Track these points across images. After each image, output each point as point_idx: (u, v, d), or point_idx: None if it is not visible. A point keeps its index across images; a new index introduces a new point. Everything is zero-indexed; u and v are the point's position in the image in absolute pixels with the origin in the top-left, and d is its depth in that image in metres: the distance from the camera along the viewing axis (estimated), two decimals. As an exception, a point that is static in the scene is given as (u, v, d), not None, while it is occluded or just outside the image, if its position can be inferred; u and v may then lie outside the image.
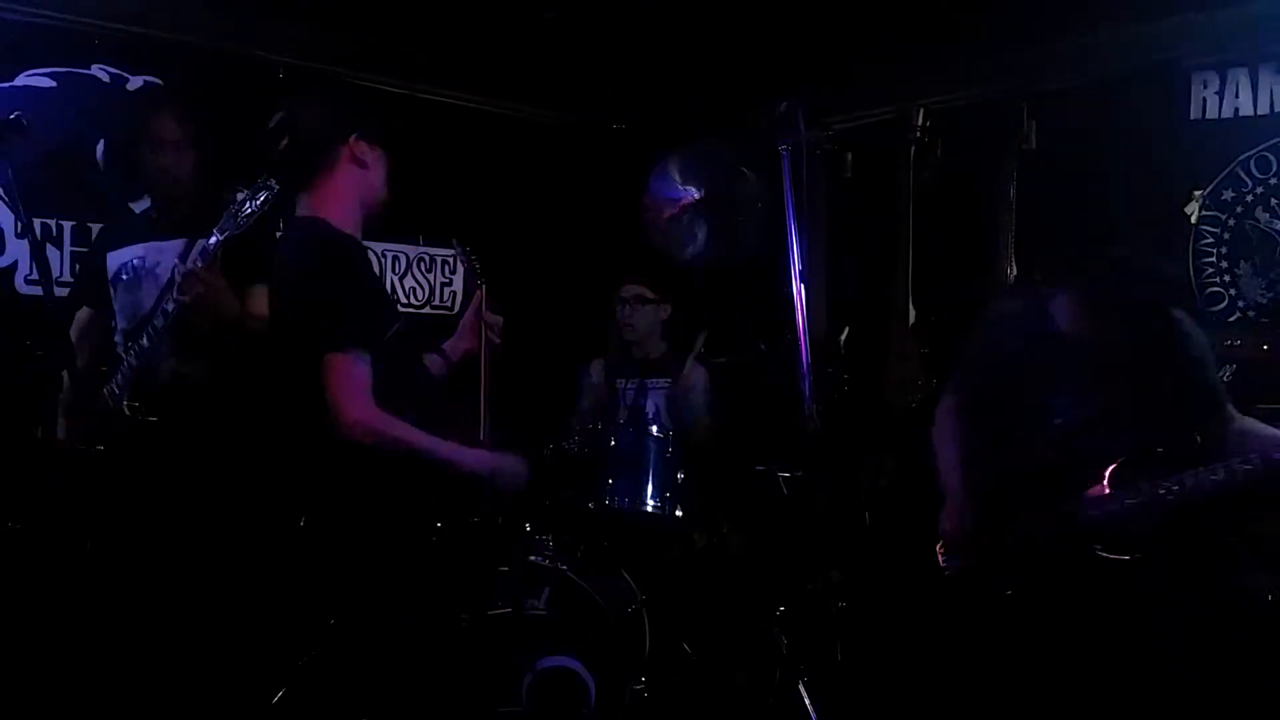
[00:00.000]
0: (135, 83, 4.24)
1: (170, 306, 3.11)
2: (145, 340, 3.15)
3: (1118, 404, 2.82)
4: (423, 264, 5.01)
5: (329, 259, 2.58)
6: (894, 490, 3.98)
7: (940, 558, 3.07)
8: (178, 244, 3.31)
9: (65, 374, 3.30)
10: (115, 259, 3.44)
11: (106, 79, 4.19)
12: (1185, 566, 2.85)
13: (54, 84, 4.09)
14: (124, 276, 3.38)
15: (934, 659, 3.50)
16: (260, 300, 3.24)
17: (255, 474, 3.25)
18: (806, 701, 3.35)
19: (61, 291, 3.77)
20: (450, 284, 5.09)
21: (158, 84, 4.26)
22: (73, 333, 3.47)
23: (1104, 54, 4.27)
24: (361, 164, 2.66)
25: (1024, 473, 2.93)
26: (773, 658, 3.60)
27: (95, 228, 3.98)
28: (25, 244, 3.96)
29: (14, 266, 4.02)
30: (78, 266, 3.91)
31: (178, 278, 3.08)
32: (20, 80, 4.02)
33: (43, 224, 4.02)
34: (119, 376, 3.18)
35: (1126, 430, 2.79)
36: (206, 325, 3.19)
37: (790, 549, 3.93)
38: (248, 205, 3.01)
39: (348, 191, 2.66)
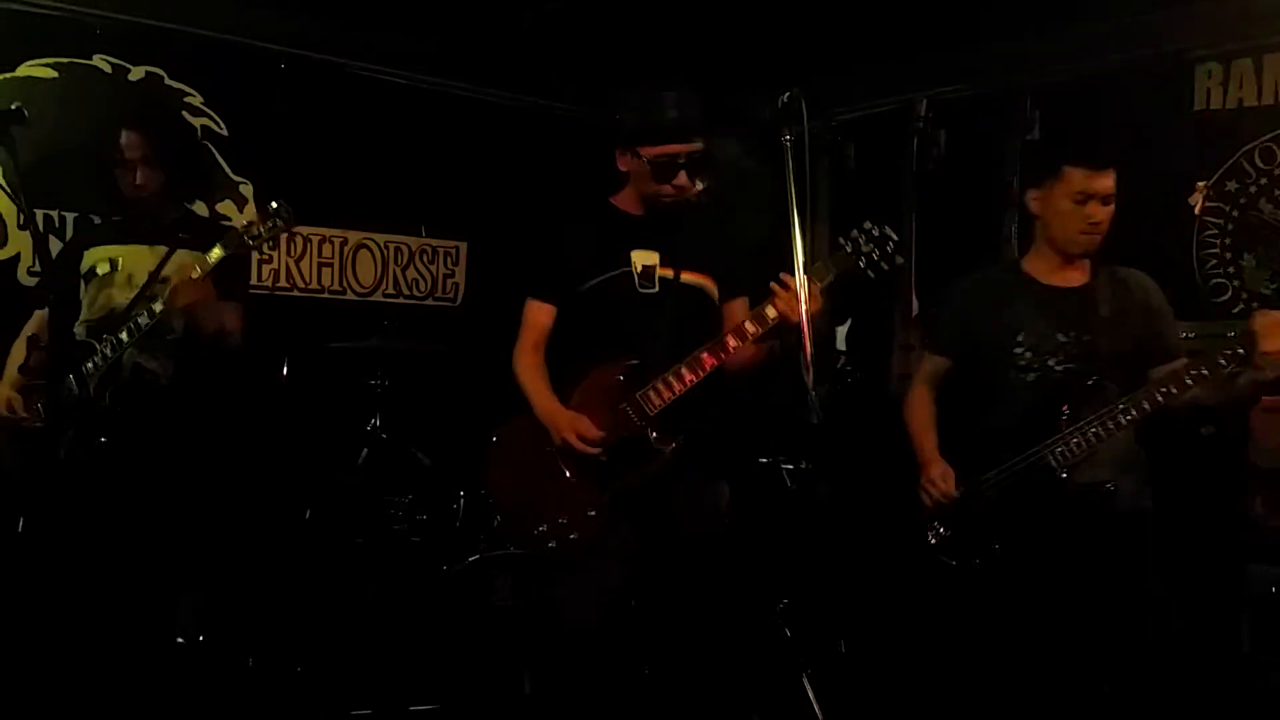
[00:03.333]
0: (137, 73, 4.24)
1: (158, 308, 3.17)
2: (125, 335, 3.21)
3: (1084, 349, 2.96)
4: (425, 256, 5.00)
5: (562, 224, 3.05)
6: (898, 482, 3.98)
7: (924, 530, 3.13)
8: (158, 250, 3.36)
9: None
10: (90, 256, 3.43)
11: (108, 69, 4.19)
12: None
13: (55, 74, 4.08)
14: (97, 272, 3.38)
15: (938, 651, 3.51)
16: (234, 316, 3.38)
17: (205, 467, 3.41)
18: (810, 694, 3.35)
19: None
20: (452, 275, 5.08)
21: (159, 74, 4.27)
22: (26, 328, 3.47)
23: (1108, 44, 4.25)
24: (623, 171, 2.97)
25: (997, 426, 3.03)
26: (777, 650, 3.60)
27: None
28: (28, 235, 3.97)
29: (16, 258, 4.03)
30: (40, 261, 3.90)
31: (175, 285, 3.16)
32: (21, 70, 4.02)
33: (45, 215, 4.02)
34: (90, 364, 3.21)
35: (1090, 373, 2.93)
36: (199, 333, 3.29)
37: (794, 541, 3.93)
38: (257, 230, 3.17)
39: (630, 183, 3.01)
